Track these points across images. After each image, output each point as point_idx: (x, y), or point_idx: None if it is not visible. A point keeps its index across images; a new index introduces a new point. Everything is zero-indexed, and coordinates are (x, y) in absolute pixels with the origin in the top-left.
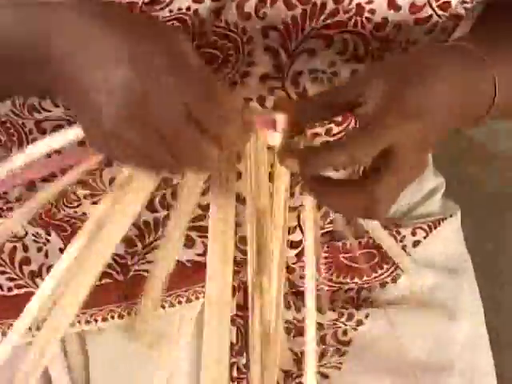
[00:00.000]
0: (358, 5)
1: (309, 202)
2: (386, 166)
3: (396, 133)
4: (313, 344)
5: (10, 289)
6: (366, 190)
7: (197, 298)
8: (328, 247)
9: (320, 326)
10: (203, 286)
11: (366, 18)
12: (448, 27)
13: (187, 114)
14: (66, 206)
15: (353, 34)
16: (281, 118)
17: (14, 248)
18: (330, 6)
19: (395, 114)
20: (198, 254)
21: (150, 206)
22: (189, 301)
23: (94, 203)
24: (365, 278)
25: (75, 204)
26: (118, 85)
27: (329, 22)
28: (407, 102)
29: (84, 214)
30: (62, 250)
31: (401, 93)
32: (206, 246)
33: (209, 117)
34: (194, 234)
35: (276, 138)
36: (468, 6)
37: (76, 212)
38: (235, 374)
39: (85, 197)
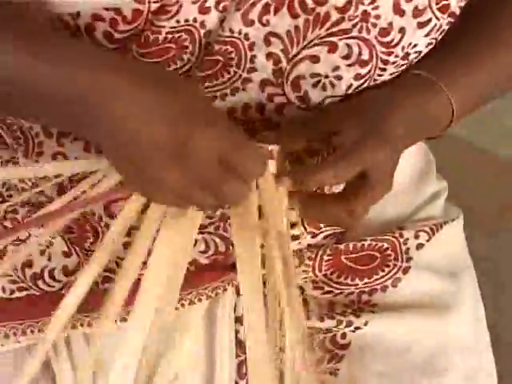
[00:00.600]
0: (364, 11)
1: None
2: (362, 185)
3: (370, 160)
4: None
5: (12, 291)
6: (345, 203)
7: (199, 300)
8: (330, 249)
9: (318, 330)
10: (205, 288)
11: (372, 23)
12: (443, 26)
13: (224, 161)
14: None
15: (357, 40)
16: (275, 148)
17: (16, 251)
18: (335, 15)
19: (369, 145)
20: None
21: None
22: (192, 303)
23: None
24: (366, 280)
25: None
26: (164, 139)
27: (332, 30)
28: (378, 135)
29: (93, 213)
30: (65, 253)
31: (372, 127)
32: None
33: (243, 162)
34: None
35: (273, 165)
36: (462, 4)
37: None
38: (244, 371)
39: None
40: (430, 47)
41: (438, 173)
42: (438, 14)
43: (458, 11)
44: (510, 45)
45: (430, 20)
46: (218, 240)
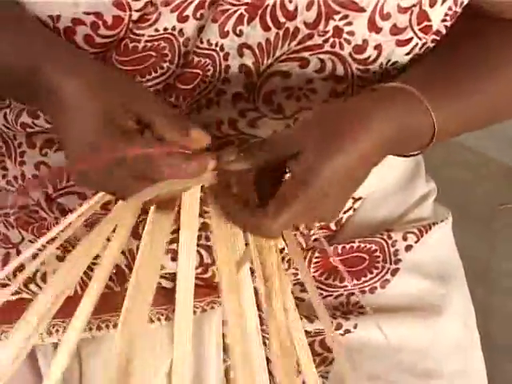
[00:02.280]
0: (336, 27)
1: None
2: (295, 197)
3: (326, 184)
4: None
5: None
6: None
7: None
8: (319, 252)
9: (307, 333)
10: (201, 301)
11: (345, 39)
12: (427, 44)
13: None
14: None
15: (330, 55)
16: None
17: (8, 254)
18: (303, 31)
19: (326, 171)
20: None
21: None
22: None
23: (87, 226)
24: (354, 282)
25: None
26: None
27: (301, 46)
28: (336, 161)
29: (76, 239)
30: (58, 258)
31: (330, 152)
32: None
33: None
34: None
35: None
36: (448, 23)
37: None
38: (232, 375)
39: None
40: (413, 61)
41: (428, 174)
42: (420, 34)
43: (443, 30)
44: (503, 80)
45: (411, 39)
46: (203, 252)
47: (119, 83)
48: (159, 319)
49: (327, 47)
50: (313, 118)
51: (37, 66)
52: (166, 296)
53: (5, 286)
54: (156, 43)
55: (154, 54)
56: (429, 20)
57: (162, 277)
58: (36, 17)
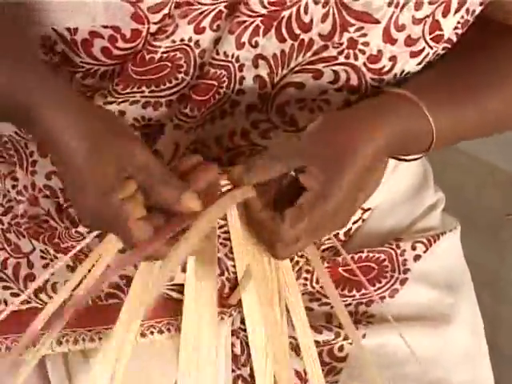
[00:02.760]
0: (350, 39)
1: None
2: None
3: (342, 197)
4: None
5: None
6: (275, 226)
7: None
8: (328, 262)
9: (316, 343)
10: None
11: (359, 49)
12: (438, 51)
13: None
14: (70, 240)
15: (345, 66)
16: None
17: (18, 264)
18: (318, 42)
19: (344, 185)
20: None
21: None
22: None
23: (97, 237)
24: (363, 292)
25: (79, 239)
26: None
27: (316, 57)
28: (348, 175)
29: (88, 248)
30: (69, 267)
31: (342, 167)
32: None
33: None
34: None
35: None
36: (459, 31)
37: (79, 243)
38: None
39: (88, 232)
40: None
41: (435, 183)
42: (432, 43)
43: (455, 38)
44: (501, 91)
45: (423, 49)
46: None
47: (111, 144)
48: (169, 330)
49: (342, 58)
50: (316, 130)
51: (29, 105)
52: (175, 307)
53: (16, 295)
54: (172, 54)
55: (169, 64)
56: (440, 29)
57: (170, 288)
58: (53, 29)
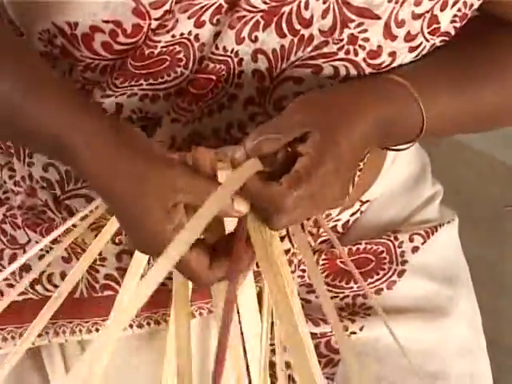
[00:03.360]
0: (351, 35)
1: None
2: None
3: (337, 162)
4: None
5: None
6: (276, 193)
7: (200, 314)
8: (326, 254)
9: (313, 335)
10: (207, 303)
11: (360, 45)
12: (435, 44)
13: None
14: (67, 232)
15: (344, 61)
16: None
17: (14, 254)
18: (318, 38)
19: (338, 149)
20: None
21: None
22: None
23: (93, 230)
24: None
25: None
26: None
27: (316, 53)
28: (344, 141)
29: (84, 242)
30: (64, 259)
31: (338, 132)
32: None
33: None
34: None
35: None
36: (457, 25)
37: (76, 239)
38: None
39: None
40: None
41: (434, 175)
42: (428, 36)
43: (452, 31)
44: (498, 84)
45: (420, 44)
46: None
47: (151, 179)
48: (166, 321)
49: (341, 54)
50: (310, 100)
51: (60, 138)
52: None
53: (11, 286)
54: (171, 48)
55: (168, 58)
56: (438, 22)
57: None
58: (52, 23)
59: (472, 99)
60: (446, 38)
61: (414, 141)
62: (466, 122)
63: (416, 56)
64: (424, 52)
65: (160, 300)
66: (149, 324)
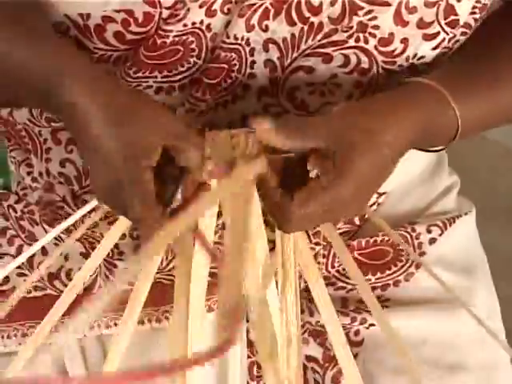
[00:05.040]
0: (360, 22)
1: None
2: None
3: (358, 183)
4: None
5: (28, 291)
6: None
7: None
8: None
9: None
10: None
11: (370, 33)
12: (457, 37)
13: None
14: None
15: (355, 49)
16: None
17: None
18: (328, 26)
19: (362, 169)
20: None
21: None
22: (210, 310)
23: (110, 223)
24: (378, 275)
25: (92, 226)
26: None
27: (325, 41)
28: (368, 161)
29: (101, 234)
30: (82, 254)
31: (363, 151)
32: None
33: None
34: None
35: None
36: (477, 16)
37: (94, 232)
38: (255, 372)
39: (100, 219)
40: (442, 55)
41: (450, 167)
42: (447, 28)
43: (473, 23)
44: None
45: (438, 33)
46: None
47: (138, 110)
48: (167, 318)
49: (352, 42)
50: (339, 114)
51: (52, 78)
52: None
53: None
54: (184, 38)
55: (181, 48)
56: (456, 14)
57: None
58: (66, 15)
59: (499, 98)
60: (467, 31)
61: (448, 143)
62: (498, 121)
63: (435, 48)
64: (445, 44)
65: (161, 297)
66: (150, 321)
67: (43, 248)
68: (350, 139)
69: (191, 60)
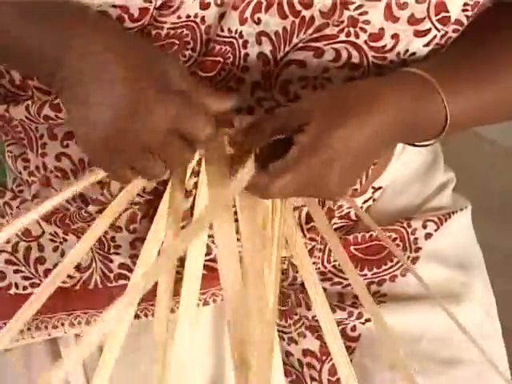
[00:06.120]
0: (351, 17)
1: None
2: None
3: (331, 155)
4: None
5: (25, 287)
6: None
7: (214, 301)
8: (339, 241)
9: None
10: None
11: (360, 28)
12: (448, 34)
13: (169, 128)
14: (80, 221)
15: (345, 44)
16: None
17: (29, 247)
18: (319, 20)
19: (333, 141)
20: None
21: None
22: (206, 303)
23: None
24: (374, 270)
25: (88, 219)
26: (112, 101)
27: (316, 35)
28: (344, 134)
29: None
30: None
31: (340, 124)
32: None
33: (188, 130)
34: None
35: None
36: (469, 13)
37: (89, 226)
38: None
39: (96, 212)
40: (434, 51)
41: (445, 163)
42: (438, 25)
43: (465, 20)
44: None
45: (429, 30)
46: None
47: (154, 60)
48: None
49: (342, 36)
50: (323, 93)
51: (60, 31)
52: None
53: (27, 278)
54: (179, 31)
55: (176, 41)
56: (447, 11)
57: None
58: None
59: (493, 91)
60: (459, 28)
61: (437, 137)
62: (488, 115)
63: (426, 45)
64: (436, 41)
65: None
66: (146, 315)
67: (39, 244)
68: (330, 115)
69: (186, 53)
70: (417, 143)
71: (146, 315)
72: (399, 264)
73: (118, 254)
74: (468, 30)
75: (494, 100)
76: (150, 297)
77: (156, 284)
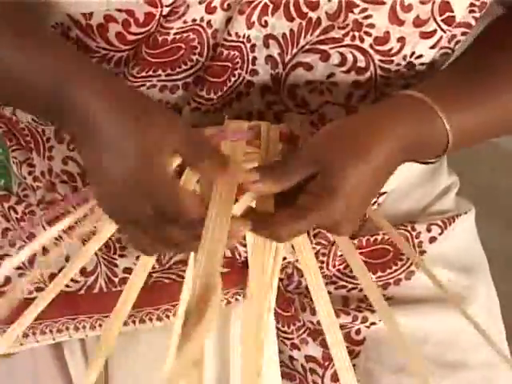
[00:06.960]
0: (355, 21)
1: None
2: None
3: (346, 200)
4: None
5: (30, 292)
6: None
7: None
8: None
9: None
10: (226, 293)
11: (365, 32)
12: (457, 37)
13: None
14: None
15: (351, 48)
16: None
17: (34, 251)
18: (325, 22)
19: (346, 187)
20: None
21: None
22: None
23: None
24: (379, 274)
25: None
26: (119, 174)
27: (323, 37)
28: (352, 178)
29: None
30: None
31: (347, 169)
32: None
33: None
34: None
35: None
36: (476, 15)
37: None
38: None
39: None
40: (448, 56)
41: (449, 167)
42: (444, 26)
43: (473, 21)
44: None
45: (435, 31)
46: None
47: (150, 113)
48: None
49: (347, 41)
50: (324, 137)
51: (61, 84)
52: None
53: (32, 282)
54: (185, 35)
55: (183, 46)
56: (451, 11)
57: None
58: (68, 15)
59: (496, 109)
60: (467, 30)
61: (440, 156)
62: (492, 131)
63: (433, 47)
64: (443, 44)
65: (158, 297)
66: (151, 320)
67: (44, 248)
68: (334, 161)
69: (193, 58)
70: (421, 161)
71: (150, 320)
72: (404, 267)
73: (123, 256)
74: (471, 47)
75: (497, 116)
76: (150, 302)
77: (160, 289)
